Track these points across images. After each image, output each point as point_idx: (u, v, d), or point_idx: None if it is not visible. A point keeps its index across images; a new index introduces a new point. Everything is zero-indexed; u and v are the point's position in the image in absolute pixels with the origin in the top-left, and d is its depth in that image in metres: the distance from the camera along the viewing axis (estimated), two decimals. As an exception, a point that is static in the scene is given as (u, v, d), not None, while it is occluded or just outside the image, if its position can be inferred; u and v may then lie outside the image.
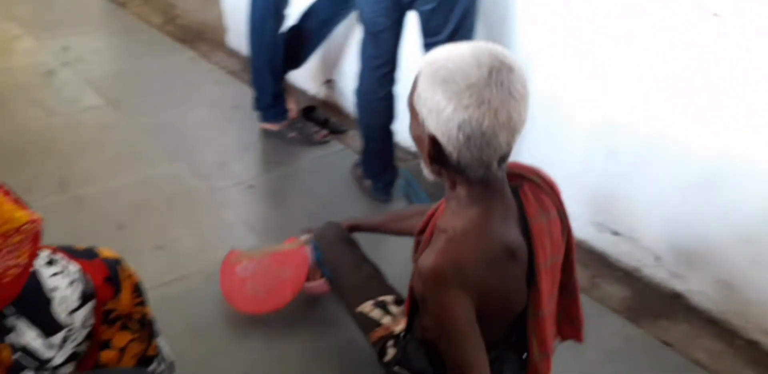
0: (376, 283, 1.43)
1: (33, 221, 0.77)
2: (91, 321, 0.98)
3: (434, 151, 0.97)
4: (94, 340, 1.00)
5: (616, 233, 1.87)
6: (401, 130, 2.14)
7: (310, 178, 2.32)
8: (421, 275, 0.99)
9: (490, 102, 0.90)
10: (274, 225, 2.04)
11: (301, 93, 2.84)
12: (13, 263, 0.79)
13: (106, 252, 1.08)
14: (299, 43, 2.41)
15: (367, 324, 1.35)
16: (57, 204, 2.04)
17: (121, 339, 1.05)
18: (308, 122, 2.50)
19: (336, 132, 2.54)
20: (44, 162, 2.26)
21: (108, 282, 1.02)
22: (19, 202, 0.78)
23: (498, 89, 0.90)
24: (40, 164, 2.25)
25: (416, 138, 1.02)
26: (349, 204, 2.16)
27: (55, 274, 0.92)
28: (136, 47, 3.30)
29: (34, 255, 0.84)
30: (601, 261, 1.91)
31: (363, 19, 1.88)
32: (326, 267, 1.50)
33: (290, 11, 2.30)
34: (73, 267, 0.96)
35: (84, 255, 1.02)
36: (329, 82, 2.73)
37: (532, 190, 1.09)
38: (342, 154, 2.44)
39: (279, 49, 2.31)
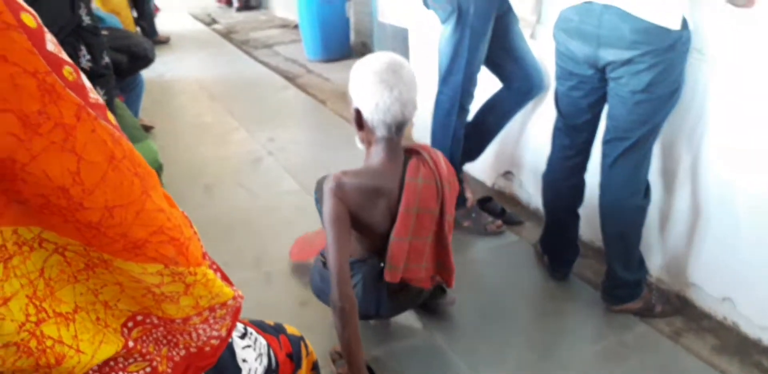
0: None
1: (237, 297, 0.87)
2: (272, 394, 1.05)
3: (358, 118, 1.54)
4: (272, 413, 1.06)
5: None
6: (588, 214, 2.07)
7: (482, 268, 2.32)
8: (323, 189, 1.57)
9: (387, 81, 1.46)
10: (443, 315, 2.04)
11: (477, 183, 2.90)
12: (216, 334, 0.89)
13: (291, 329, 1.16)
14: (478, 136, 2.50)
15: None
16: (250, 279, 2.24)
17: (295, 414, 1.10)
18: (483, 212, 2.53)
19: (511, 223, 2.54)
20: (244, 239, 2.53)
21: (290, 358, 1.09)
22: (226, 279, 0.88)
23: (392, 74, 1.47)
24: (241, 241, 2.51)
25: (353, 116, 1.55)
26: (519, 294, 2.11)
27: (246, 347, 1.01)
28: (330, 139, 3.63)
29: (233, 329, 0.94)
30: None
31: (561, 112, 1.91)
32: (321, 215, 1.78)
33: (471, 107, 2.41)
34: (262, 342, 1.05)
35: (272, 331, 1.11)
36: (507, 174, 2.77)
37: (419, 162, 1.60)
38: (516, 246, 2.42)
39: (460, 142, 2.41)
